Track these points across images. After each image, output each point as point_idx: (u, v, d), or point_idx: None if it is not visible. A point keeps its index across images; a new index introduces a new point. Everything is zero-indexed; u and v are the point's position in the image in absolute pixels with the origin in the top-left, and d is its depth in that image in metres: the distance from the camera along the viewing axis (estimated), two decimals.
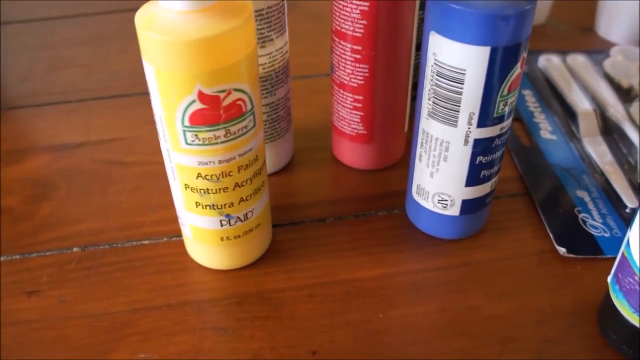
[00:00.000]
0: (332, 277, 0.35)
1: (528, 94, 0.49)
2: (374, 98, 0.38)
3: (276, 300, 0.33)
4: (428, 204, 0.36)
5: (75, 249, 0.36)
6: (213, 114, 0.28)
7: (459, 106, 0.31)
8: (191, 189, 0.31)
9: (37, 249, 0.36)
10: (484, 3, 0.28)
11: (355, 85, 0.37)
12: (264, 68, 0.36)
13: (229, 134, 0.29)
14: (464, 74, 0.30)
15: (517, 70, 0.30)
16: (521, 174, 0.41)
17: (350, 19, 0.35)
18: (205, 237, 0.33)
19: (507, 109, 0.32)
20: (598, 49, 0.55)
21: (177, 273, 0.35)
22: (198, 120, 0.28)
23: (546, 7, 0.59)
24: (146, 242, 0.37)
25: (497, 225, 0.38)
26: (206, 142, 0.29)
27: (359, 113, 0.38)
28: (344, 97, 0.38)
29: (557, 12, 0.62)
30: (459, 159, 0.33)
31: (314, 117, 0.46)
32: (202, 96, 0.27)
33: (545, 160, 0.42)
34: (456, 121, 0.31)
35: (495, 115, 0.31)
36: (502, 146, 0.34)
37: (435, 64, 0.31)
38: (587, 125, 0.45)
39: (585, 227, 0.37)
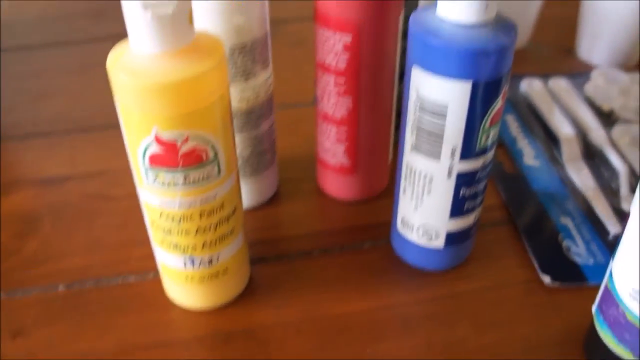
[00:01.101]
0: (320, 311, 0.35)
1: (510, 118, 0.49)
2: (358, 129, 0.38)
3: (264, 337, 0.33)
4: (413, 237, 0.36)
5: (60, 287, 0.36)
6: (170, 157, 0.28)
7: (442, 140, 0.31)
8: (156, 226, 0.31)
9: (23, 286, 0.36)
10: (465, 37, 0.29)
11: (339, 117, 0.38)
12: (247, 102, 0.36)
13: (188, 180, 0.29)
14: (446, 108, 0.30)
15: (499, 103, 0.31)
16: (504, 202, 0.42)
17: (333, 52, 0.35)
18: (172, 275, 0.33)
19: (489, 142, 0.32)
20: (579, 72, 0.55)
21: (164, 310, 0.35)
22: (157, 162, 0.28)
23: (528, 30, 0.60)
24: (132, 278, 0.37)
25: (482, 254, 0.38)
26: (166, 184, 0.29)
27: (343, 144, 0.39)
28: (328, 129, 0.39)
29: (538, 35, 0.62)
30: (443, 192, 0.33)
31: (299, 147, 0.46)
32: (159, 140, 0.27)
33: (528, 186, 0.43)
34: (439, 155, 0.32)
35: (477, 148, 0.32)
36: (485, 178, 0.34)
37: (417, 98, 0.31)
38: (570, 150, 0.45)
39: (569, 255, 0.37)
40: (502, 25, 0.30)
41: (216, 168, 0.30)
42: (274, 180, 0.42)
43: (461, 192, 0.33)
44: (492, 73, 0.29)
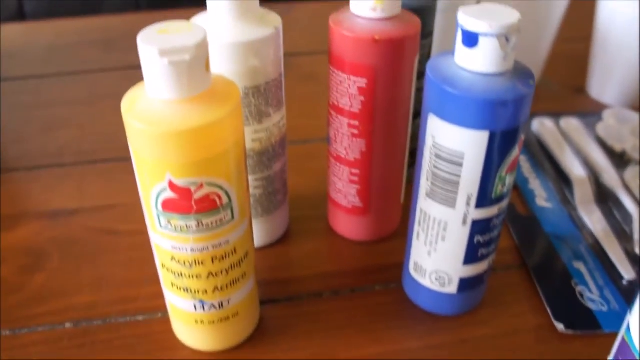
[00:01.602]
0: (330, 355, 0.34)
1: (523, 159, 0.49)
2: (371, 172, 0.38)
3: None
4: (426, 281, 0.35)
5: (67, 325, 0.36)
6: (184, 204, 0.28)
7: (458, 188, 0.31)
8: (167, 269, 0.31)
9: (29, 324, 0.36)
10: (482, 87, 0.29)
11: (352, 159, 0.37)
12: (261, 143, 0.36)
13: (201, 225, 0.29)
14: (463, 157, 0.30)
15: (516, 151, 0.31)
16: (517, 245, 0.41)
17: (347, 95, 0.35)
18: (182, 317, 0.33)
19: (505, 190, 0.32)
20: (591, 111, 0.55)
21: (173, 351, 0.34)
22: (170, 207, 0.28)
23: (539, 68, 0.60)
24: (140, 317, 0.36)
25: (494, 299, 0.37)
26: (178, 229, 0.29)
27: (356, 186, 0.38)
28: (341, 170, 0.38)
29: (549, 72, 0.62)
30: (457, 238, 0.33)
31: (310, 184, 0.46)
32: (172, 186, 0.27)
33: (541, 229, 0.42)
34: (454, 202, 0.31)
35: (494, 196, 0.31)
36: (501, 224, 0.33)
37: (434, 146, 0.31)
38: (582, 192, 0.45)
39: (583, 301, 0.37)
40: (521, 73, 0.30)
41: (230, 213, 0.29)
42: (285, 219, 0.42)
43: (476, 239, 0.33)
44: (510, 123, 0.29)
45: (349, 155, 0.37)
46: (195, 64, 0.26)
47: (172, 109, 0.26)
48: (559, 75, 0.62)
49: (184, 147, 0.26)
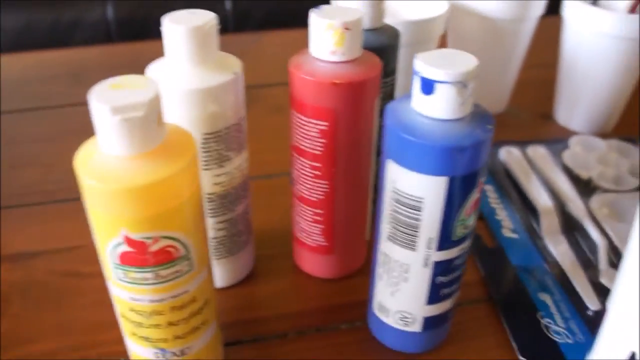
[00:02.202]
0: None
1: (489, 189, 0.49)
2: (334, 212, 0.37)
3: None
4: (390, 321, 0.35)
5: None
6: (140, 257, 0.27)
7: (418, 232, 0.31)
8: (126, 319, 0.30)
9: None
10: (440, 134, 0.29)
11: (315, 200, 0.37)
12: (222, 186, 0.36)
13: (158, 277, 0.28)
14: (422, 201, 0.30)
15: (476, 195, 0.31)
16: (483, 278, 0.41)
17: (309, 137, 0.35)
18: None
19: (467, 231, 0.32)
20: (558, 138, 0.56)
21: None
22: (126, 260, 0.28)
23: (506, 95, 0.61)
24: None
25: (460, 335, 0.37)
26: (135, 282, 0.28)
27: (320, 226, 0.38)
28: (304, 210, 0.38)
29: (517, 98, 0.63)
30: (419, 280, 0.33)
31: (276, 220, 0.46)
32: (128, 240, 0.27)
33: (507, 261, 0.42)
34: (415, 245, 0.31)
35: (455, 238, 0.31)
36: (463, 264, 0.34)
37: (393, 191, 0.31)
38: (548, 223, 0.45)
39: (549, 334, 0.37)
40: (480, 117, 0.30)
41: (187, 264, 0.29)
42: (251, 259, 0.41)
43: (438, 280, 0.33)
44: (469, 167, 0.29)
45: (311, 195, 0.37)
46: (147, 120, 0.26)
47: (125, 165, 0.26)
48: (526, 102, 0.63)
49: (137, 203, 0.26)
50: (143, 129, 0.26)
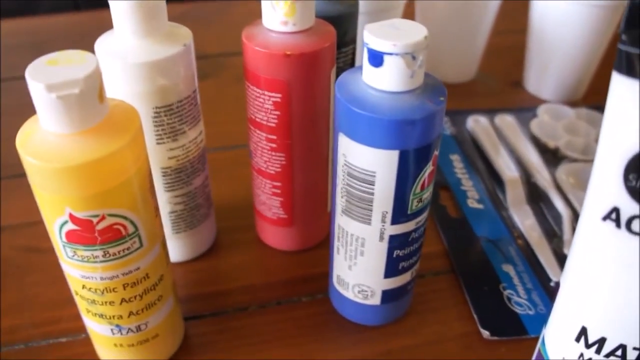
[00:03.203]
0: None
1: (456, 158, 0.49)
2: (292, 184, 0.37)
3: None
4: (349, 294, 0.35)
5: None
6: (87, 236, 0.27)
7: (372, 206, 0.31)
8: (80, 296, 0.30)
9: None
10: (389, 107, 0.28)
11: (272, 172, 0.37)
12: (177, 160, 0.35)
13: (108, 255, 0.28)
14: (375, 175, 0.29)
15: (430, 168, 0.30)
16: (447, 250, 0.41)
17: (263, 110, 0.35)
18: (100, 341, 0.32)
19: (422, 205, 0.31)
20: (527, 107, 0.55)
21: None
22: (74, 239, 0.27)
23: (475, 62, 0.60)
24: (63, 339, 0.35)
25: (421, 307, 0.38)
26: (85, 259, 0.28)
27: (279, 199, 0.38)
28: (263, 183, 0.38)
29: (486, 65, 0.62)
30: (376, 254, 0.32)
31: (238, 192, 0.45)
32: (73, 218, 0.26)
33: (472, 232, 0.42)
34: (370, 219, 0.31)
35: (409, 212, 0.31)
36: (421, 237, 0.33)
37: (345, 164, 0.30)
38: (514, 193, 0.45)
39: (510, 305, 0.37)
40: (431, 89, 0.29)
41: (138, 241, 0.29)
42: (211, 232, 0.41)
43: (394, 254, 0.33)
44: (420, 141, 0.29)
45: (269, 168, 0.37)
46: (86, 96, 0.25)
47: (66, 143, 0.25)
48: (496, 69, 0.62)
49: (80, 182, 0.26)
50: (81, 106, 0.25)
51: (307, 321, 0.37)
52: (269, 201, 0.38)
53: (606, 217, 0.23)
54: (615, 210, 0.23)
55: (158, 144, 0.34)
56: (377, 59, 0.28)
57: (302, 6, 0.32)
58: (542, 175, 0.46)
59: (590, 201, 0.24)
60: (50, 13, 0.75)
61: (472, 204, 0.45)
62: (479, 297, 0.38)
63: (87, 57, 0.26)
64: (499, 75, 0.62)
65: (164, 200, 0.36)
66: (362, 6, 0.47)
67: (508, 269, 0.40)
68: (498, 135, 0.51)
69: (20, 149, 0.26)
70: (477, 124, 0.52)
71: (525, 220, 0.43)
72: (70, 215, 0.26)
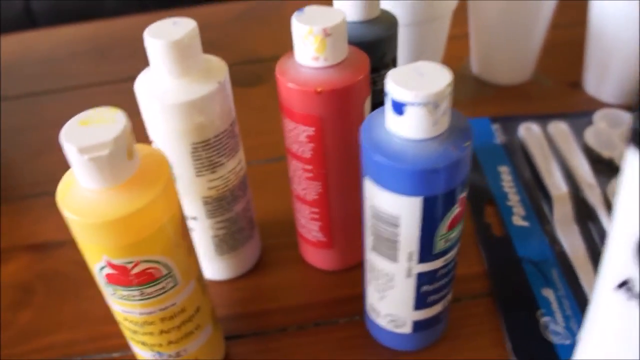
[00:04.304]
0: None
1: (504, 170, 0.48)
2: (330, 210, 0.38)
3: None
4: (380, 322, 0.36)
5: None
6: (124, 278, 0.29)
7: (398, 246, 0.31)
8: (124, 326, 0.33)
9: None
10: (412, 155, 0.28)
11: (310, 199, 0.38)
12: (217, 190, 0.37)
13: (144, 294, 0.30)
14: (399, 220, 0.30)
15: (456, 210, 0.30)
16: (487, 271, 0.41)
17: (298, 142, 0.35)
18: None
19: (449, 244, 0.32)
20: (584, 111, 0.53)
21: None
22: (112, 280, 0.29)
23: (531, 62, 0.57)
24: (116, 354, 0.38)
25: (456, 332, 0.38)
26: (124, 297, 0.30)
27: (318, 223, 0.39)
28: (302, 208, 0.39)
29: (543, 64, 0.60)
30: (404, 288, 0.33)
31: (284, 206, 0.46)
32: (110, 264, 0.28)
33: (514, 253, 0.42)
34: (397, 258, 0.32)
35: (435, 252, 0.31)
36: (450, 272, 0.33)
37: (371, 207, 0.31)
38: (561, 211, 0.44)
39: (546, 334, 0.37)
40: (457, 134, 0.29)
41: (172, 281, 0.31)
42: (255, 252, 0.42)
43: (423, 289, 0.33)
44: (444, 187, 0.29)
45: (307, 195, 0.38)
46: (115, 156, 0.27)
47: (100, 198, 0.27)
48: (553, 68, 0.60)
49: (113, 234, 0.27)
50: (112, 165, 0.27)
51: (343, 344, 0.38)
52: (308, 225, 0.39)
53: (619, 288, 0.23)
54: (628, 281, 0.22)
55: (197, 176, 0.36)
56: (398, 108, 0.28)
57: (333, 41, 0.33)
58: (592, 190, 0.44)
59: (604, 270, 0.23)
60: (113, 16, 0.77)
61: (517, 221, 0.44)
62: (515, 323, 0.38)
63: (117, 117, 0.27)
64: (557, 75, 0.59)
65: (207, 226, 0.38)
66: (409, 17, 0.46)
67: (548, 293, 0.39)
68: (550, 146, 0.49)
69: (59, 203, 0.28)
70: (528, 132, 0.50)
71: (571, 241, 0.42)
72: (108, 262, 0.28)
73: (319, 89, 0.33)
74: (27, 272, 0.44)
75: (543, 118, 0.52)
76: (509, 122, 0.52)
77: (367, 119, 0.31)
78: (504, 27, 0.53)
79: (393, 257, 0.32)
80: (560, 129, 0.50)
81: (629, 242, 0.22)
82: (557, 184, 0.45)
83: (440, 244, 0.31)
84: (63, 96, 0.64)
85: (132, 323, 0.32)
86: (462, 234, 0.43)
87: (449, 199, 0.29)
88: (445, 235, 0.31)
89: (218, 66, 0.35)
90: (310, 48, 0.33)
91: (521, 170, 0.48)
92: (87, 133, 0.27)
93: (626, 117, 0.50)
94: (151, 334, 0.32)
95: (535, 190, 0.46)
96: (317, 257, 0.42)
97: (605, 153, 0.47)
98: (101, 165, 0.26)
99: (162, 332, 0.32)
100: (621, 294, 0.23)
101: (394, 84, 0.28)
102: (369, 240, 0.33)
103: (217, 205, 0.37)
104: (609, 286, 0.24)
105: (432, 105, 0.27)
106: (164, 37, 0.32)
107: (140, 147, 0.30)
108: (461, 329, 0.38)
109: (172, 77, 0.33)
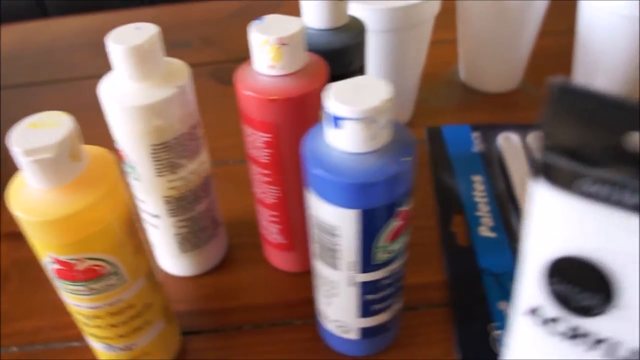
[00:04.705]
0: None
1: (478, 180, 0.48)
2: (288, 214, 0.39)
3: None
4: (329, 327, 0.36)
5: (14, 349, 0.40)
6: (70, 274, 0.30)
7: (338, 255, 0.32)
8: (76, 318, 0.34)
9: None
10: (349, 169, 0.29)
11: (270, 202, 0.38)
12: (178, 190, 0.38)
13: (91, 290, 0.31)
14: (338, 230, 0.30)
15: (396, 223, 0.31)
16: (447, 281, 0.41)
17: (256, 147, 0.36)
18: (98, 353, 0.36)
19: (391, 256, 0.32)
20: None
21: None
22: (60, 275, 0.31)
23: (519, 69, 0.57)
24: (76, 344, 0.40)
25: (408, 340, 0.38)
26: (72, 292, 0.31)
27: (277, 226, 0.39)
28: (263, 210, 0.39)
29: (531, 72, 0.59)
30: (348, 297, 0.34)
31: (250, 207, 0.46)
32: (56, 260, 0.30)
33: (476, 264, 0.42)
34: (338, 267, 0.32)
35: (376, 263, 0.32)
36: (397, 282, 0.34)
37: (313, 217, 0.31)
38: None
39: (497, 347, 0.37)
40: (397, 147, 0.29)
41: (117, 278, 0.32)
42: (219, 250, 0.43)
43: (366, 298, 0.33)
44: (381, 200, 0.29)
45: (266, 199, 0.38)
46: (59, 159, 0.28)
47: (46, 198, 0.29)
48: (542, 76, 0.59)
49: (56, 233, 0.29)
50: (56, 167, 0.28)
51: (296, 345, 0.39)
52: (269, 227, 0.40)
53: (528, 314, 0.23)
54: (536, 309, 0.23)
55: (158, 176, 0.37)
56: (336, 121, 0.28)
57: (289, 51, 0.33)
58: None
59: (517, 295, 0.24)
60: (120, 9, 0.79)
61: (484, 232, 0.44)
62: (467, 335, 0.38)
63: (63, 121, 0.29)
64: (545, 84, 0.58)
65: (169, 224, 0.39)
66: (389, 24, 0.46)
67: (504, 306, 0.39)
68: (527, 156, 0.49)
69: (8, 201, 0.29)
70: (507, 142, 0.50)
71: None
72: (54, 258, 0.30)
73: (273, 97, 0.33)
74: (4, 259, 0.46)
75: (524, 128, 0.52)
76: (490, 131, 0.52)
77: (310, 131, 0.31)
78: (491, 35, 0.53)
79: (335, 266, 0.32)
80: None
81: (536, 271, 0.22)
82: (526, 196, 0.45)
83: (381, 256, 0.32)
84: (60, 87, 0.66)
85: (82, 316, 0.33)
86: (428, 242, 0.44)
87: (388, 213, 0.30)
88: (385, 247, 0.31)
89: (180, 70, 0.36)
90: (267, 57, 0.33)
91: (496, 180, 0.48)
92: (35, 135, 0.28)
93: None
94: (100, 327, 0.33)
95: (507, 202, 0.46)
96: (279, 259, 0.42)
97: None
98: (45, 167, 0.28)
99: (111, 325, 0.33)
100: (530, 319, 0.24)
101: (332, 98, 0.28)
102: (314, 247, 0.33)
103: (178, 204, 0.38)
104: (520, 310, 0.24)
105: (368, 120, 0.28)
106: (125, 42, 0.33)
107: (89, 149, 0.31)
108: (414, 337, 0.38)
109: (132, 81, 0.34)
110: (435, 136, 0.52)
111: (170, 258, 0.42)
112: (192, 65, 0.66)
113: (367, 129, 0.28)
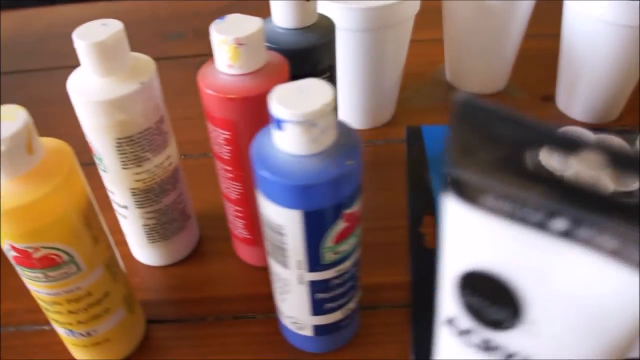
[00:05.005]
0: None
1: None
2: (251, 209, 0.39)
3: None
4: (285, 322, 0.37)
5: None
6: (28, 261, 0.31)
7: (287, 254, 0.32)
8: (38, 303, 0.35)
9: None
10: (292, 170, 0.29)
11: (233, 198, 0.39)
12: (144, 182, 0.38)
13: (48, 277, 0.32)
14: (284, 229, 0.31)
15: (342, 224, 0.31)
16: (411, 283, 0.42)
17: (218, 144, 0.37)
18: (62, 338, 0.37)
19: (340, 256, 0.32)
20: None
21: None
22: (19, 262, 0.32)
23: (505, 72, 0.57)
24: (47, 327, 0.41)
25: (365, 339, 0.39)
26: (31, 278, 0.32)
27: (242, 221, 0.40)
28: (228, 205, 0.40)
29: (518, 75, 0.59)
30: (299, 294, 0.34)
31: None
32: (14, 248, 0.31)
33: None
34: (288, 265, 0.33)
35: (324, 262, 0.32)
36: (348, 282, 0.34)
37: (262, 215, 0.32)
38: None
39: None
40: (344, 149, 0.30)
41: (74, 267, 0.33)
42: (189, 242, 0.44)
43: (317, 296, 0.34)
44: (325, 202, 0.30)
45: (230, 194, 0.39)
46: (13, 151, 0.29)
47: (2, 188, 0.30)
48: (528, 80, 0.59)
49: (11, 222, 0.30)
50: (10, 159, 0.29)
51: (256, 339, 0.39)
52: (234, 222, 0.41)
53: (446, 323, 0.24)
54: (452, 319, 0.23)
55: (124, 169, 0.37)
56: (278, 124, 0.29)
57: (247, 50, 0.34)
58: None
59: (439, 305, 0.24)
60: None
61: None
62: (422, 337, 0.38)
63: (18, 115, 0.29)
64: (531, 87, 0.58)
65: (137, 215, 0.40)
66: (372, 22, 0.46)
67: None
68: None
69: None
70: None
71: None
72: (11, 245, 0.31)
73: (231, 96, 0.34)
74: None
75: None
76: None
77: (260, 133, 0.32)
78: (475, 35, 0.53)
79: (285, 264, 0.33)
80: None
81: (451, 283, 0.23)
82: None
83: (328, 256, 0.32)
84: (54, 74, 0.67)
85: (42, 301, 0.34)
86: (399, 242, 0.44)
87: (333, 214, 0.30)
88: (332, 247, 0.32)
89: (146, 66, 0.37)
90: (225, 56, 0.34)
91: None
92: None
93: (589, 137, 0.49)
94: (60, 312, 0.35)
95: None
96: (245, 253, 0.43)
97: (558, 174, 0.47)
98: (0, 159, 0.29)
99: (69, 312, 0.35)
100: (448, 329, 0.24)
101: (275, 101, 0.29)
102: (266, 245, 0.34)
103: (144, 196, 0.39)
104: (440, 320, 0.24)
105: (308, 123, 0.28)
106: (89, 38, 0.34)
107: (47, 141, 0.32)
108: (371, 336, 0.39)
109: (96, 76, 0.35)
110: (414, 136, 0.52)
111: (140, 248, 0.43)
112: (185, 56, 0.67)
113: (308, 132, 0.28)
